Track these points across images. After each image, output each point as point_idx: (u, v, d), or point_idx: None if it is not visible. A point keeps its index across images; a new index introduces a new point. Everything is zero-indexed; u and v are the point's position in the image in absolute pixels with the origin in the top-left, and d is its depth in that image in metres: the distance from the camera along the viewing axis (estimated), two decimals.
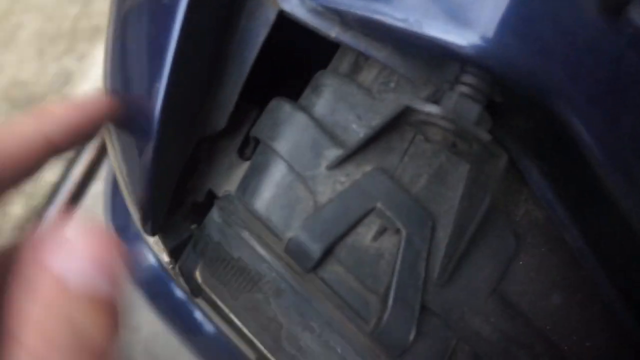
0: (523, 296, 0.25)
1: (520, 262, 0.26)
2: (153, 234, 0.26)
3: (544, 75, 0.20)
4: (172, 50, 0.20)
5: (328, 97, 0.26)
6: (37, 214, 1.18)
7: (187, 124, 0.24)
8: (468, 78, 0.21)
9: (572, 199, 0.23)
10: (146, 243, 0.54)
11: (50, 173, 1.22)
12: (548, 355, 0.25)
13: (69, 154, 1.19)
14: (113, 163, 0.26)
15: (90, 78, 1.28)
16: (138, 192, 0.23)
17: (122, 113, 0.22)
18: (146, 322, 1.17)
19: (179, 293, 0.53)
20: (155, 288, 0.55)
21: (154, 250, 0.52)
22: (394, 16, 0.21)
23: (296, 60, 0.31)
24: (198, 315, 0.52)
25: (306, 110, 0.26)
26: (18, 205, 1.21)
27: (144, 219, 0.24)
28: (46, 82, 1.28)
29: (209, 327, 0.52)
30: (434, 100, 0.21)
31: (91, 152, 1.21)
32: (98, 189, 1.18)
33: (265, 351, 0.27)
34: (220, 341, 0.52)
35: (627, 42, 0.19)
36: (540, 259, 0.26)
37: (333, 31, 0.23)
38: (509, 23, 0.19)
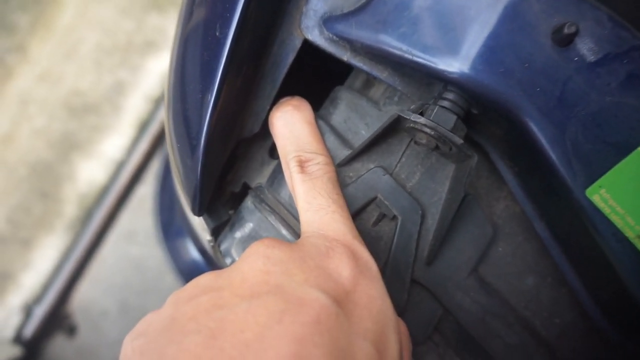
0: (500, 277, 0.30)
1: (499, 249, 0.30)
2: (199, 215, 0.32)
3: (508, 94, 0.25)
4: (221, 72, 0.26)
5: (343, 108, 0.32)
6: (88, 214, 1.29)
7: (229, 129, 0.30)
8: (448, 95, 0.26)
9: (537, 195, 0.28)
10: (188, 236, 0.60)
11: (101, 176, 1.33)
12: (521, 326, 0.29)
13: (118, 158, 1.29)
14: (171, 160, 0.33)
15: (141, 89, 1.39)
16: (191, 182, 0.30)
17: (179, 120, 0.29)
18: None
19: None
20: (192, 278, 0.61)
21: (198, 237, 0.58)
22: (393, 45, 0.27)
23: (317, 76, 0.37)
24: None
25: (324, 118, 0.32)
26: (72, 205, 1.33)
27: (194, 204, 0.31)
28: (102, 92, 1.39)
29: None
30: (421, 111, 0.27)
31: (138, 157, 1.31)
32: (144, 191, 1.28)
33: None
34: None
35: (574, 68, 0.24)
36: (517, 246, 0.30)
37: (345, 56, 0.29)
38: (481, 52, 0.25)
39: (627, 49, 0.24)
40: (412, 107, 0.28)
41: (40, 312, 1.19)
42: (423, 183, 0.30)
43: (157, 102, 1.33)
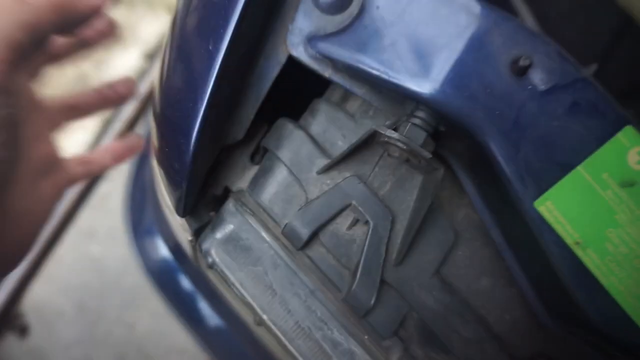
0: (460, 278, 0.34)
1: (459, 252, 0.34)
2: (184, 216, 0.34)
3: (471, 115, 0.28)
4: (212, 83, 0.28)
5: (321, 119, 0.34)
6: None
7: (216, 135, 0.32)
8: (420, 113, 0.29)
9: (494, 205, 0.32)
10: (159, 235, 0.61)
11: None
12: (476, 322, 0.33)
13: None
14: (155, 163, 0.34)
15: None
16: (178, 185, 0.31)
17: (169, 127, 0.30)
18: (141, 321, 1.23)
19: (186, 284, 0.61)
20: (164, 278, 0.62)
21: (172, 236, 0.59)
22: (371, 66, 0.30)
23: (298, 89, 0.40)
24: (202, 305, 0.60)
25: (304, 128, 0.34)
26: None
27: (179, 206, 0.33)
28: (63, 85, 1.35)
29: (211, 316, 0.59)
30: (395, 127, 0.30)
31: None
32: (107, 189, 1.25)
33: (261, 312, 0.35)
34: (221, 330, 0.59)
35: (527, 96, 0.28)
36: (475, 251, 0.34)
37: (327, 72, 0.32)
38: (449, 77, 0.28)
39: (571, 80, 0.28)
40: (387, 123, 0.31)
41: None
42: (394, 192, 0.33)
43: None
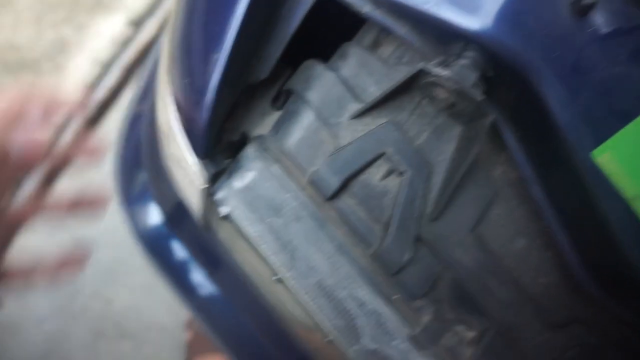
0: (495, 238, 0.32)
1: (495, 211, 0.32)
2: (204, 157, 0.31)
3: (526, 56, 0.26)
4: (246, 5, 0.25)
5: (352, 63, 0.32)
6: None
7: (241, 70, 0.29)
8: (469, 53, 0.27)
9: (539, 160, 0.30)
10: (152, 199, 0.58)
11: None
12: (512, 283, 0.31)
13: (57, 122, 1.20)
14: (169, 98, 0.31)
15: (86, 49, 1.29)
16: (200, 121, 0.28)
17: (194, 53, 0.27)
18: (119, 296, 1.19)
19: (181, 250, 0.57)
20: (156, 245, 0.58)
21: (160, 207, 0.56)
22: (417, 0, 0.27)
23: (318, 36, 0.37)
24: (198, 272, 0.56)
25: (335, 71, 0.31)
26: None
27: (200, 144, 0.29)
28: (41, 49, 1.28)
29: (207, 284, 0.56)
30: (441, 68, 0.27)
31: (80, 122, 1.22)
32: None
33: (280, 269, 0.32)
34: (218, 299, 0.56)
35: (588, 38, 0.26)
36: (510, 210, 0.32)
37: (365, 8, 0.29)
38: (504, 14, 0.26)
39: (636, 24, 0.26)
40: (432, 63, 0.28)
41: None
42: (431, 142, 0.30)
43: (105, 67, 1.24)
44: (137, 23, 1.33)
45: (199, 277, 0.56)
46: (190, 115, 0.29)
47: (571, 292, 0.31)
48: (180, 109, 0.30)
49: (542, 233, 0.32)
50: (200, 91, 0.27)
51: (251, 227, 0.32)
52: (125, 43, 1.28)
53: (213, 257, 0.53)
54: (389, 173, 0.30)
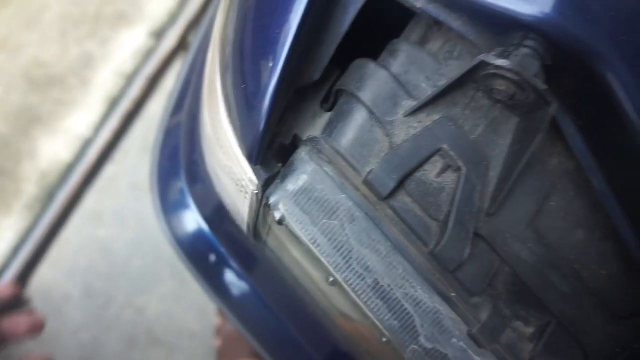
0: (553, 230, 0.31)
1: (552, 203, 0.31)
2: (257, 163, 0.31)
3: (591, 42, 0.25)
4: (304, 7, 0.25)
5: (402, 60, 0.32)
6: (49, 194, 1.21)
7: (295, 73, 0.29)
8: (530, 42, 0.26)
9: (601, 149, 0.29)
10: (192, 203, 0.58)
11: (64, 153, 1.25)
12: (573, 276, 0.30)
13: (84, 135, 1.22)
14: (222, 102, 0.31)
15: (110, 63, 1.32)
16: (254, 126, 0.28)
17: (250, 59, 0.27)
18: (150, 304, 1.20)
19: (219, 257, 0.57)
20: (196, 251, 0.59)
21: (200, 212, 0.56)
22: None
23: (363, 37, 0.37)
24: (241, 277, 0.56)
25: (386, 68, 0.31)
26: (31, 183, 1.24)
27: (255, 150, 0.30)
28: (67, 64, 1.31)
29: (250, 290, 0.56)
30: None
31: (107, 134, 1.24)
32: (113, 171, 1.22)
33: (336, 271, 0.32)
34: (257, 304, 0.56)
35: None
36: (568, 202, 0.31)
37: (419, 2, 0.29)
38: None
39: None
40: (492, 54, 0.28)
41: None
42: (486, 136, 0.30)
43: (129, 78, 1.26)
44: (159, 34, 1.35)
45: (239, 282, 0.57)
46: (245, 122, 0.29)
47: (634, 283, 0.31)
48: (233, 116, 0.30)
49: (602, 224, 0.31)
50: (257, 97, 0.27)
51: (305, 230, 0.32)
52: (148, 54, 1.30)
53: (255, 261, 0.53)
54: (445, 169, 0.30)
